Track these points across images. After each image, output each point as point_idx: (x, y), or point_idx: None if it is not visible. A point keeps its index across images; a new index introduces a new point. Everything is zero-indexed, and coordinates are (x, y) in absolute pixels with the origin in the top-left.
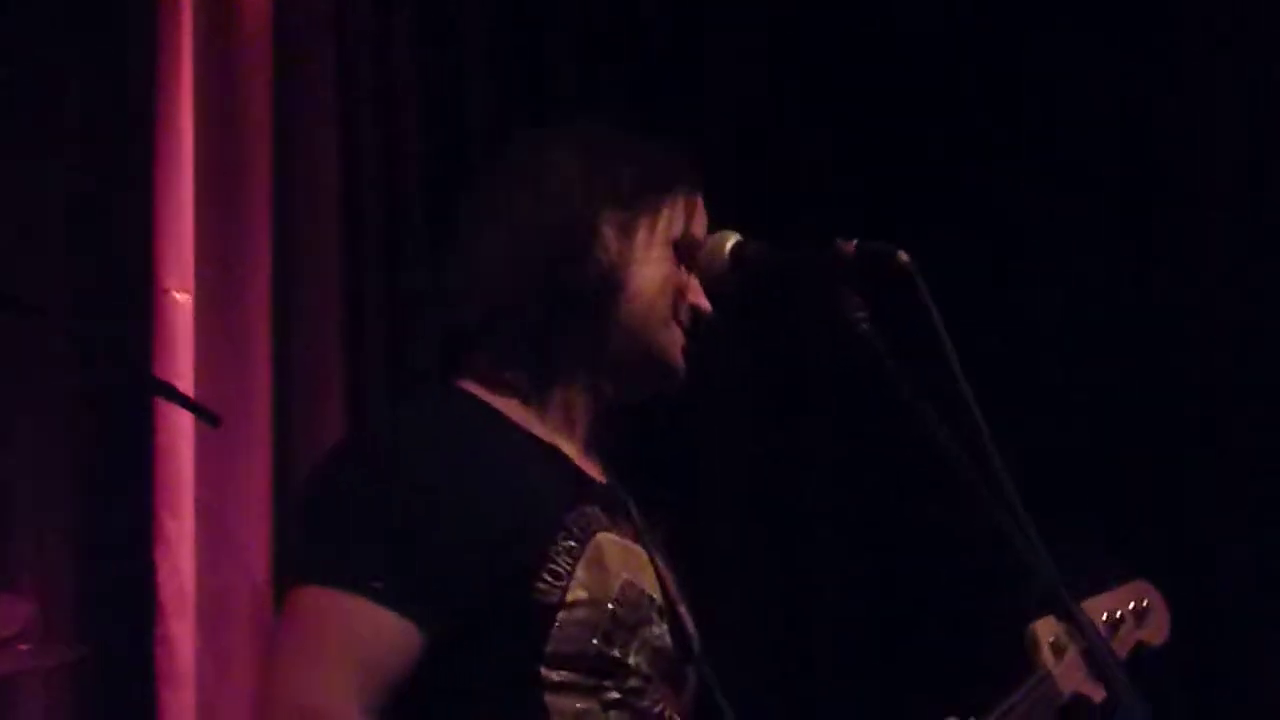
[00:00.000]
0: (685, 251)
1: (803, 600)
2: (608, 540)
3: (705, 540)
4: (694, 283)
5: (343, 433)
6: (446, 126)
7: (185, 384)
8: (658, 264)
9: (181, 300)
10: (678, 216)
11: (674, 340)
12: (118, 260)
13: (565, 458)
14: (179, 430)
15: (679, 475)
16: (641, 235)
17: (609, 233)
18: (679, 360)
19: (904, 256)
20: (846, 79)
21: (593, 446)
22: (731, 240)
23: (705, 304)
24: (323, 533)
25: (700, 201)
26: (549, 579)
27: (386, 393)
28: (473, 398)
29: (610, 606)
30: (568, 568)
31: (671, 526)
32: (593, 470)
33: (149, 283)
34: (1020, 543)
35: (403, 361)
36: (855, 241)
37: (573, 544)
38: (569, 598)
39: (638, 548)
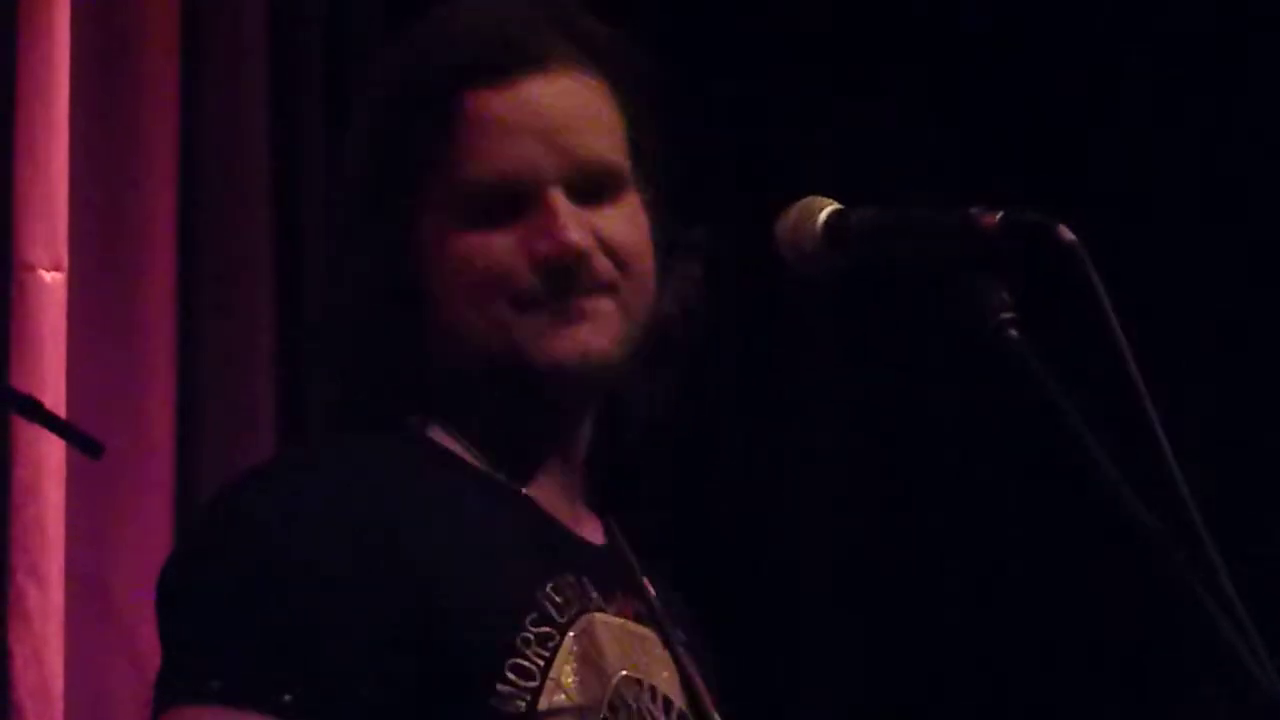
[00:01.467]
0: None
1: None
2: (601, 623)
3: (779, 617)
4: (545, 216)
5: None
6: None
7: (54, 398)
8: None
9: (51, 281)
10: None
11: (504, 324)
12: None
13: (541, 511)
14: (44, 464)
15: (732, 530)
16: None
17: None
18: (538, 352)
19: (1068, 233)
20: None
21: (575, 490)
22: (826, 209)
23: (562, 238)
24: (186, 628)
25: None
26: (513, 681)
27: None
28: (414, 433)
29: (604, 717)
30: (540, 663)
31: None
32: (585, 526)
33: (6, 257)
34: (1227, 629)
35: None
36: (1000, 212)
37: (548, 630)
38: (542, 706)
39: (647, 630)
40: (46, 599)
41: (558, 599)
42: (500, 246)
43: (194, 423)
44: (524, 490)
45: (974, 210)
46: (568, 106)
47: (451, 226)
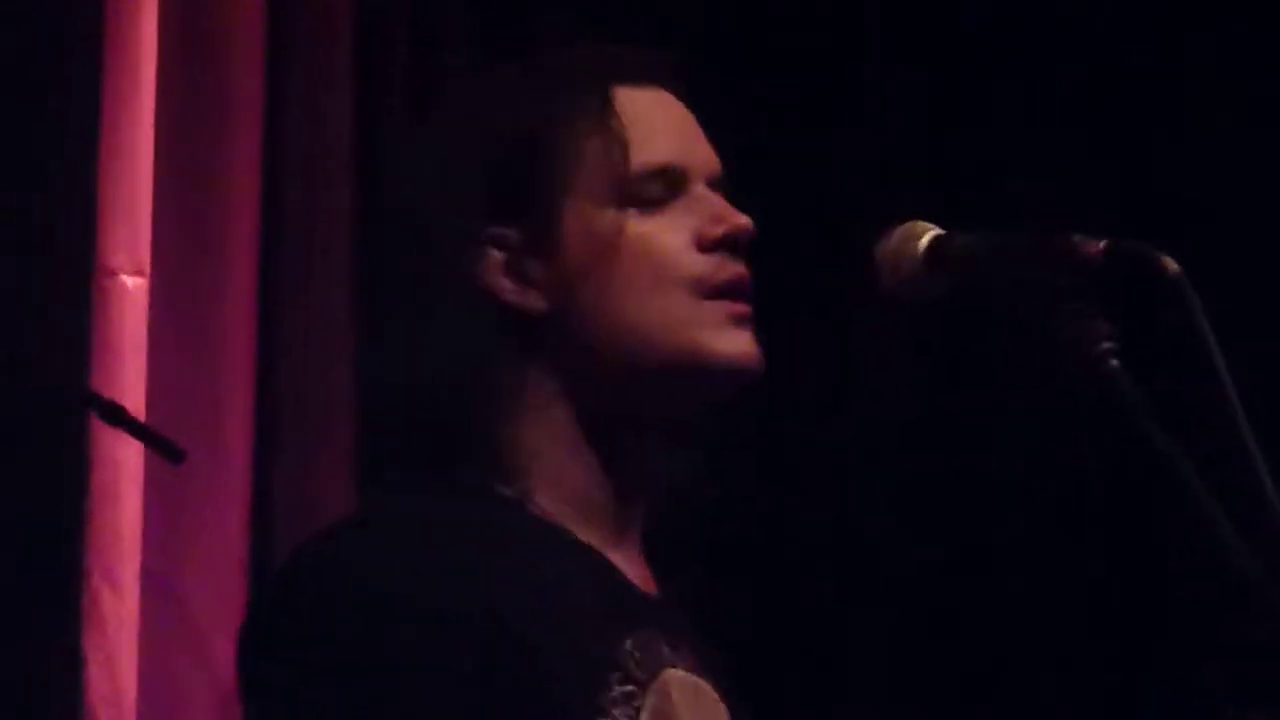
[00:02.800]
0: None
1: None
2: (674, 679)
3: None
4: (705, 204)
5: (351, 477)
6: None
7: (134, 403)
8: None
9: (133, 286)
10: (612, 144)
11: (695, 318)
12: (45, 230)
13: (609, 566)
14: (123, 469)
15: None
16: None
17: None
18: (720, 347)
19: (1173, 264)
20: None
21: (636, 542)
22: (929, 234)
23: (738, 220)
24: (265, 671)
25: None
26: None
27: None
28: (478, 491)
29: None
30: None
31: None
32: (641, 576)
33: (88, 261)
34: None
35: None
36: (1104, 241)
37: (632, 689)
38: None
39: (704, 683)
40: (121, 605)
41: (638, 655)
42: (671, 230)
43: (271, 433)
44: (593, 544)
45: (1077, 238)
46: (692, 119)
47: (618, 215)
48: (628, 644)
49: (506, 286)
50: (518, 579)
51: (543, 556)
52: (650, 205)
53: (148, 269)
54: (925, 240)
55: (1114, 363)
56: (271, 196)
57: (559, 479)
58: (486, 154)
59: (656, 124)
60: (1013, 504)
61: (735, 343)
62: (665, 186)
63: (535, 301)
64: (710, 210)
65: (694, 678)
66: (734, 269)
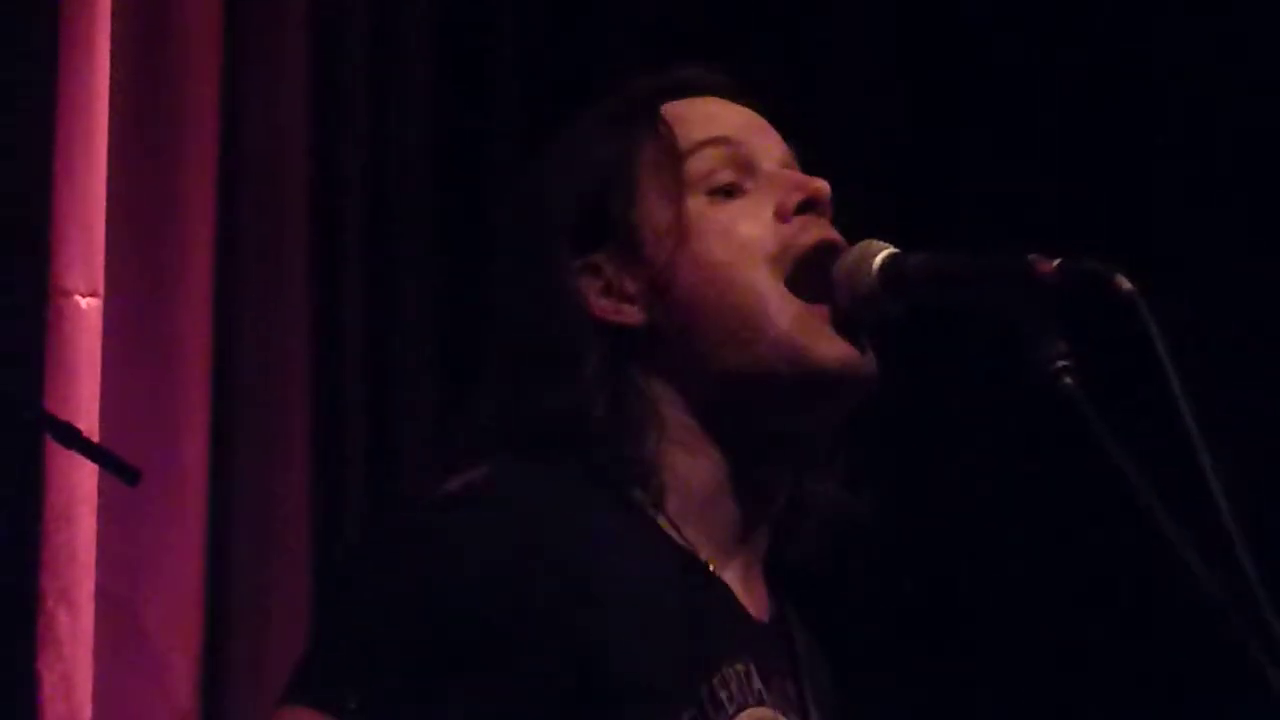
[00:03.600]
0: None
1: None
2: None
3: None
4: (779, 179)
5: (307, 495)
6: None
7: (88, 424)
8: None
9: (87, 307)
10: (697, 152)
11: (797, 321)
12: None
13: (723, 588)
14: (78, 490)
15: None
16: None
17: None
18: (828, 350)
19: (1126, 282)
20: None
21: (758, 558)
22: (883, 253)
23: (814, 183)
24: (340, 630)
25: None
26: None
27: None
28: (605, 488)
29: None
30: None
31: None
32: (752, 599)
33: (43, 282)
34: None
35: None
36: (1058, 260)
37: None
38: None
39: None
40: (77, 625)
41: (722, 694)
42: (745, 211)
43: (228, 450)
44: (712, 563)
45: (1032, 257)
46: (755, 117)
47: (682, 199)
48: (715, 680)
49: (605, 307)
50: (619, 584)
51: (652, 567)
52: (722, 193)
53: (102, 289)
54: (880, 259)
55: (1069, 380)
56: (226, 217)
57: (687, 487)
58: (566, 195)
59: (708, 115)
60: (984, 506)
61: (836, 348)
62: (731, 167)
63: (632, 315)
64: (785, 182)
65: (775, 715)
66: (818, 231)
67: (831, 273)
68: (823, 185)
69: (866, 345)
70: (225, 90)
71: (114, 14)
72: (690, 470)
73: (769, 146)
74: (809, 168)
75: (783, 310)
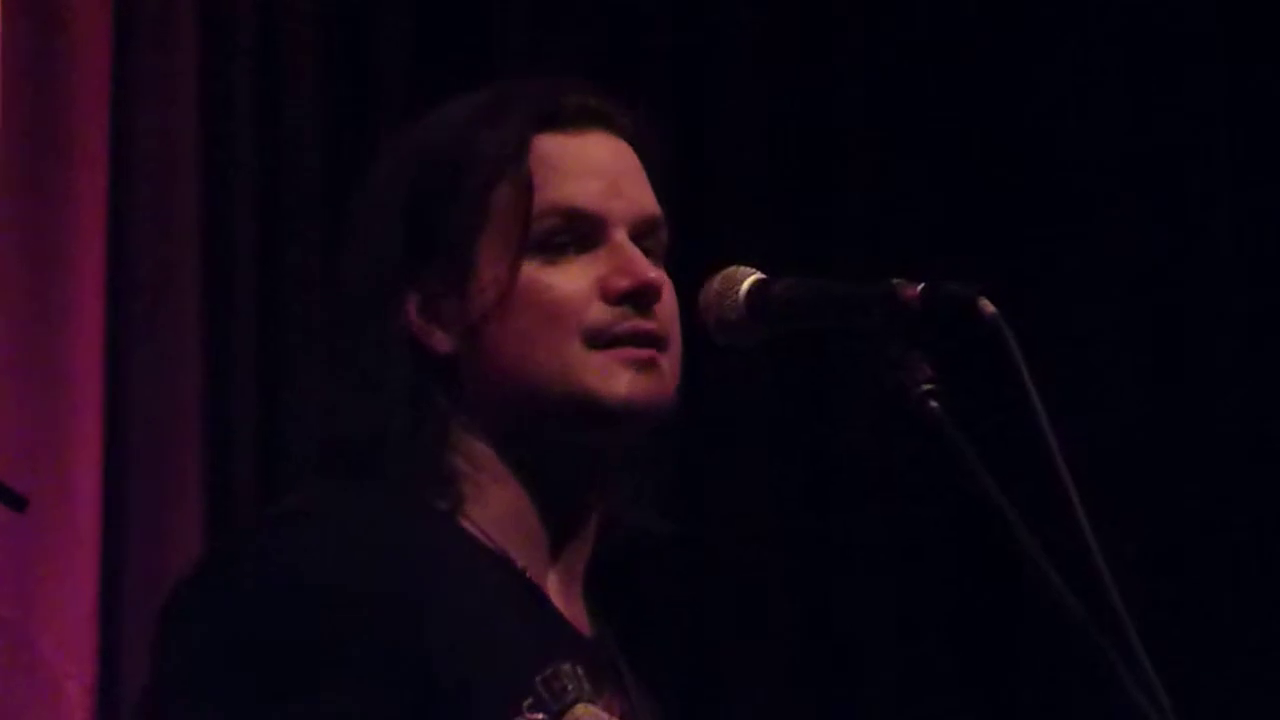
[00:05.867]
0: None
1: None
2: (588, 715)
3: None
4: (618, 254)
5: (200, 521)
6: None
7: None
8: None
9: None
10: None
11: (586, 364)
12: None
13: (539, 593)
14: None
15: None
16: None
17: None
18: (609, 390)
19: (988, 305)
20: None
21: (575, 576)
22: (749, 279)
23: (645, 276)
24: (181, 664)
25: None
26: None
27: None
28: (408, 498)
29: None
30: None
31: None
32: (578, 613)
33: None
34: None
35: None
36: (921, 285)
37: (542, 716)
38: None
39: None
40: None
41: (556, 684)
42: (572, 279)
43: (120, 476)
44: (526, 569)
45: (896, 282)
46: (628, 163)
47: (517, 261)
48: (548, 672)
49: (417, 326)
50: (441, 589)
51: (468, 570)
52: (556, 252)
53: None
54: (745, 286)
55: (934, 404)
56: (116, 236)
57: (486, 499)
58: (409, 196)
59: (575, 168)
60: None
61: (624, 385)
62: (573, 234)
63: (441, 343)
64: (619, 261)
65: (608, 717)
66: (635, 322)
67: (698, 298)
68: (651, 279)
69: (661, 387)
70: (114, 116)
71: (2, 32)
72: (491, 488)
73: (626, 210)
74: (675, 205)
75: (582, 365)
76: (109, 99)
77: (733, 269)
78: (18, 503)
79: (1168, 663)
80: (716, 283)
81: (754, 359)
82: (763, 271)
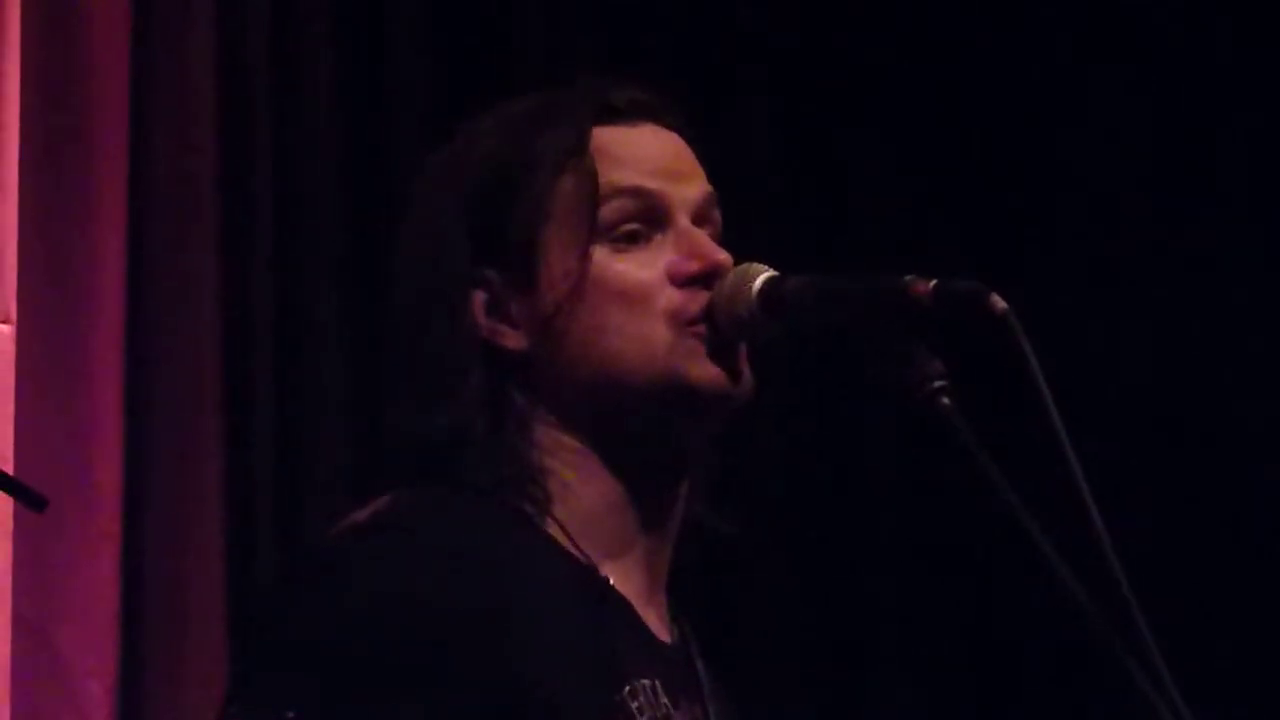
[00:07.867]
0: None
1: None
2: None
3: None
4: (684, 239)
5: (220, 520)
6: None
7: (2, 452)
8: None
9: (0, 334)
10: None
11: (673, 347)
12: None
13: (623, 602)
14: None
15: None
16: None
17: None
18: (698, 373)
19: (999, 302)
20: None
21: (659, 578)
22: (761, 276)
23: (714, 257)
24: (261, 668)
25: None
26: None
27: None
28: (493, 503)
29: None
30: None
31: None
32: (658, 618)
33: None
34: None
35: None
36: (934, 281)
37: None
38: None
39: None
40: None
41: (633, 704)
42: (643, 266)
43: (141, 476)
44: (610, 578)
45: (908, 278)
46: (682, 150)
47: (587, 251)
48: (625, 691)
49: (487, 326)
50: (526, 604)
51: (552, 580)
52: (625, 241)
53: (14, 316)
54: (759, 283)
55: (945, 400)
56: (136, 242)
57: (572, 497)
58: (469, 198)
59: (632, 155)
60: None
61: (711, 369)
62: (641, 220)
63: (514, 341)
64: (687, 245)
65: None
66: (700, 307)
67: (711, 296)
68: (721, 260)
69: (742, 369)
70: (134, 117)
71: (23, 42)
72: (578, 486)
73: (687, 193)
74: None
75: (671, 347)
76: (128, 106)
77: (745, 265)
78: (37, 503)
79: (1180, 659)
80: (730, 279)
81: (766, 356)
82: (775, 269)
